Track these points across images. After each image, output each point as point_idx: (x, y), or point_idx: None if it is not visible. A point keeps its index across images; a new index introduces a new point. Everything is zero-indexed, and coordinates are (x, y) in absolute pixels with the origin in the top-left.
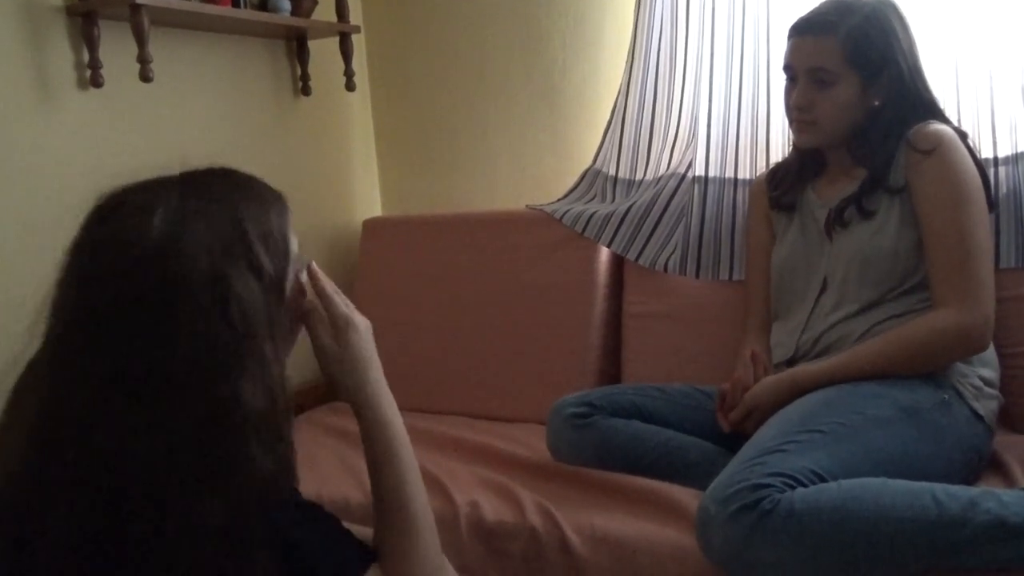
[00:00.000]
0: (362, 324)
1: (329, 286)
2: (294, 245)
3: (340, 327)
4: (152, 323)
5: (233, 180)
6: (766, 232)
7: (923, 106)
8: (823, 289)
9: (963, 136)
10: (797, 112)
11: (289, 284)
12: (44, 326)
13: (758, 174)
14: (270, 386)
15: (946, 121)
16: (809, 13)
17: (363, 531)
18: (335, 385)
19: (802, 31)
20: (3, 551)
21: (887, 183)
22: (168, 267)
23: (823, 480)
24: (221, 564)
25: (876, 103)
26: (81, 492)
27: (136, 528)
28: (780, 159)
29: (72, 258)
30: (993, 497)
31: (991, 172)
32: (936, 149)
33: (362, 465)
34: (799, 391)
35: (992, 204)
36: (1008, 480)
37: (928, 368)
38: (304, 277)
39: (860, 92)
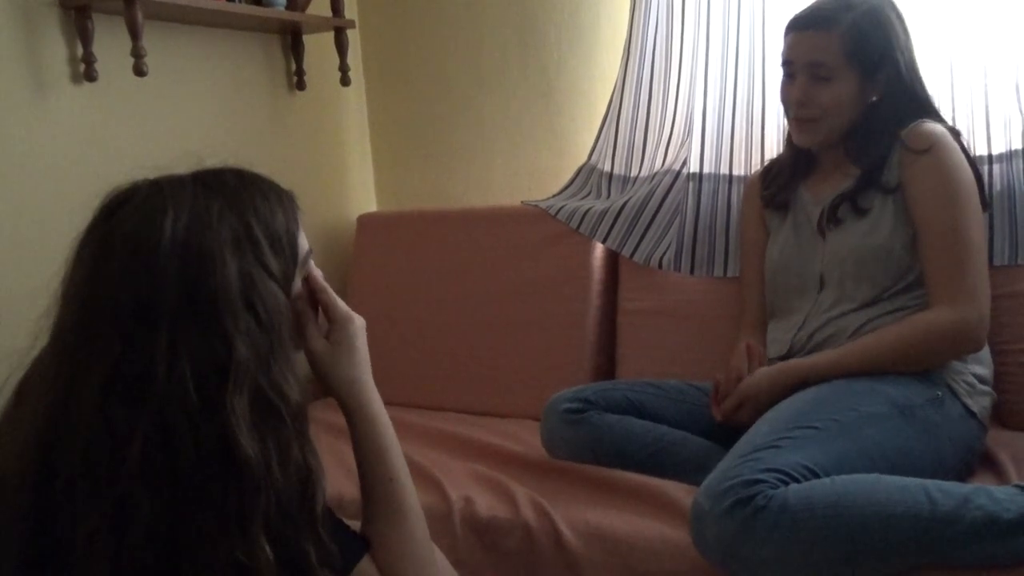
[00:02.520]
0: (359, 321)
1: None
2: (302, 246)
3: (340, 323)
4: (179, 322)
5: (244, 180)
6: (760, 230)
7: (919, 104)
8: (820, 288)
9: (956, 134)
10: (797, 108)
11: (295, 285)
12: (51, 319)
13: (752, 171)
14: (299, 381)
15: (940, 119)
16: (809, 8)
17: (355, 526)
18: (327, 383)
19: (802, 26)
20: (20, 541)
21: (881, 181)
22: (186, 267)
23: (816, 476)
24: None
25: (873, 99)
26: (99, 485)
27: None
28: (774, 156)
29: (79, 252)
30: (986, 493)
31: (985, 169)
32: (931, 149)
33: None
34: (792, 383)
35: (986, 202)
36: (1001, 477)
37: (924, 366)
38: (317, 273)
39: (858, 88)
